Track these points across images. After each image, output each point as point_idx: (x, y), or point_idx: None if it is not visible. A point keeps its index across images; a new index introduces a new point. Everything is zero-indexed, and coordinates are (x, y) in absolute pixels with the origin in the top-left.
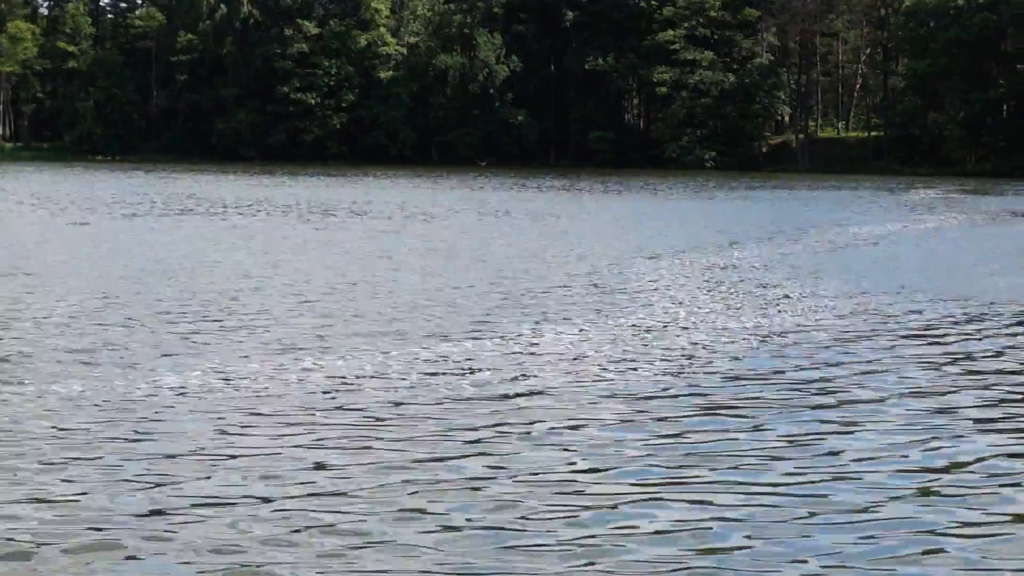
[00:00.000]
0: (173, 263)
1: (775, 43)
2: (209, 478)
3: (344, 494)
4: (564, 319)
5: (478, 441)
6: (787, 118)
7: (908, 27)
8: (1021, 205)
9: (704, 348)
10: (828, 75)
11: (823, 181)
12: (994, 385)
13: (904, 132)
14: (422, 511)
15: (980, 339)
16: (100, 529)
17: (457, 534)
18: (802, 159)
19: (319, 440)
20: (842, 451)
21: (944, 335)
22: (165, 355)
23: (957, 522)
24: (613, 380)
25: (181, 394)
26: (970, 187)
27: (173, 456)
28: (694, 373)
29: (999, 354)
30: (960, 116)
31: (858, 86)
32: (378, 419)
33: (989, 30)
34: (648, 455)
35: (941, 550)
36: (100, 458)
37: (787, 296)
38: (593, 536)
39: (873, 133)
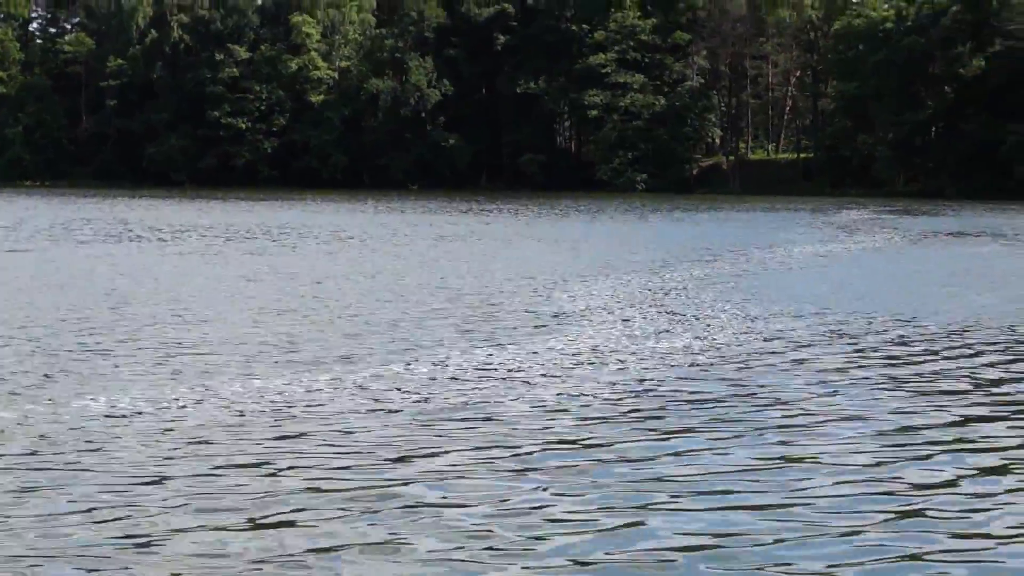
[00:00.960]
0: (106, 289)
1: (706, 66)
2: (138, 508)
3: (291, 524)
4: (500, 342)
5: (413, 459)
6: (718, 140)
7: (837, 50)
8: (950, 226)
9: (641, 369)
10: (758, 97)
11: (755, 203)
12: (945, 406)
13: (834, 154)
14: (374, 538)
15: (921, 359)
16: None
17: (408, 558)
18: (733, 181)
19: (257, 464)
20: (789, 471)
21: (881, 355)
22: (93, 382)
23: (919, 543)
24: (548, 402)
25: (112, 421)
26: (900, 208)
27: (102, 485)
28: (633, 395)
29: (938, 373)
30: (889, 137)
31: (788, 108)
32: (323, 443)
33: (917, 53)
34: (590, 479)
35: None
36: (30, 490)
37: (724, 318)
38: (538, 558)
39: (803, 155)
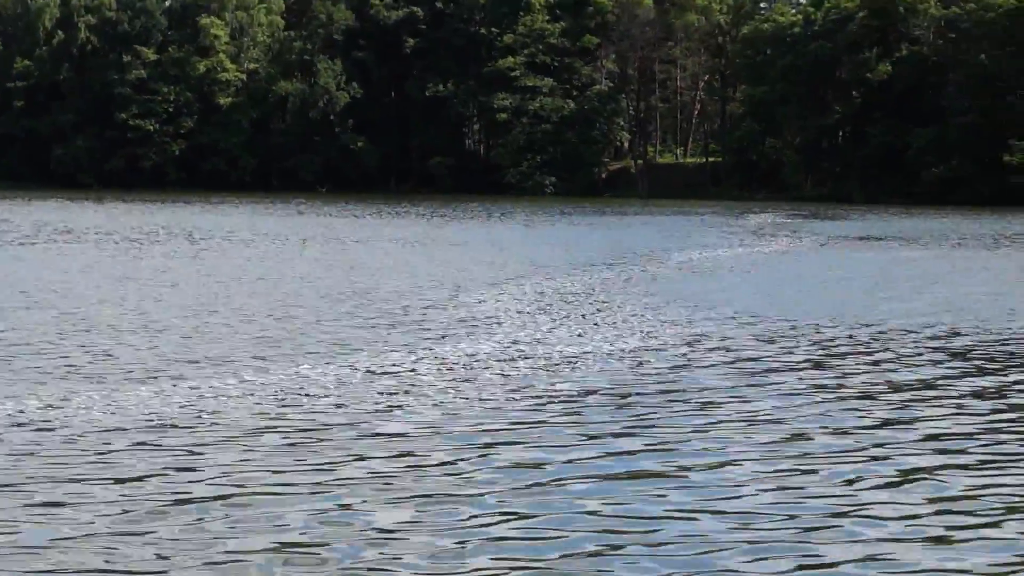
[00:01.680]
0: (17, 291)
1: (614, 70)
2: (48, 508)
3: (202, 527)
4: (411, 346)
5: (312, 467)
6: (626, 144)
7: (745, 54)
8: (858, 230)
9: (550, 373)
10: (667, 101)
11: (663, 206)
12: (850, 408)
13: (742, 158)
14: (293, 540)
15: (836, 361)
16: None
17: (326, 562)
18: (641, 184)
19: (129, 475)
20: (696, 477)
21: (798, 358)
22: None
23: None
24: (455, 406)
25: (20, 424)
26: (807, 212)
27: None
28: (541, 398)
29: (851, 375)
30: (797, 142)
31: (696, 112)
32: (241, 447)
33: (825, 57)
34: (492, 483)
35: None
36: None
37: (636, 322)
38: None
39: (711, 159)
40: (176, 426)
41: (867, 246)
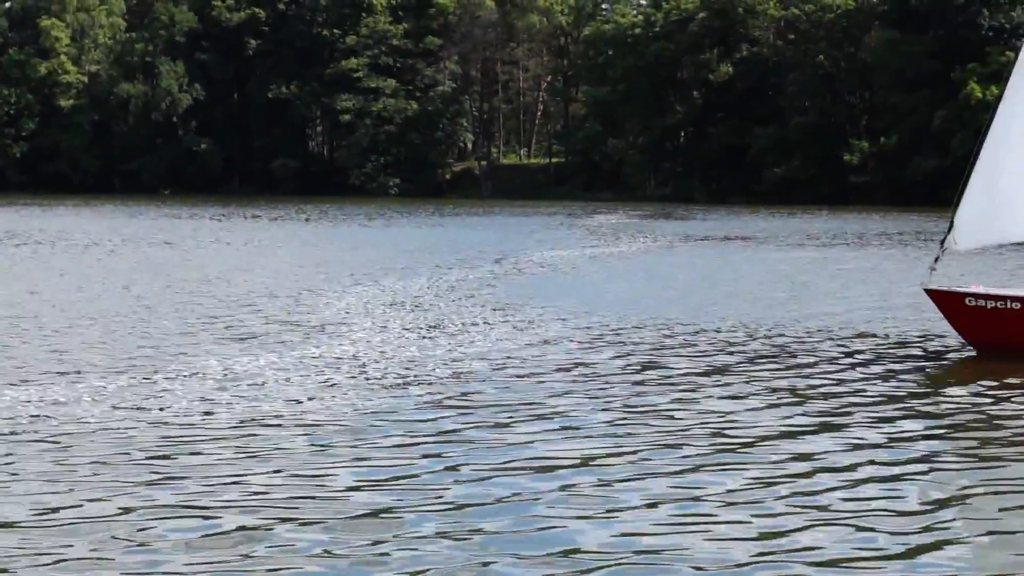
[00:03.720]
0: None
1: (457, 71)
2: None
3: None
4: (255, 350)
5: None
6: (470, 145)
7: (587, 55)
8: (698, 230)
9: (399, 377)
10: (510, 102)
11: (508, 207)
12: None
13: (585, 158)
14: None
15: (677, 359)
16: None
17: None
18: (485, 186)
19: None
20: (556, 476)
21: (644, 359)
22: None
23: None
24: (306, 412)
25: None
26: (651, 212)
27: None
28: (392, 401)
29: (692, 372)
30: (639, 142)
31: (539, 113)
32: (73, 458)
33: (666, 58)
34: (352, 485)
35: None
36: None
37: (480, 323)
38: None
39: (555, 160)
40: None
41: (712, 245)
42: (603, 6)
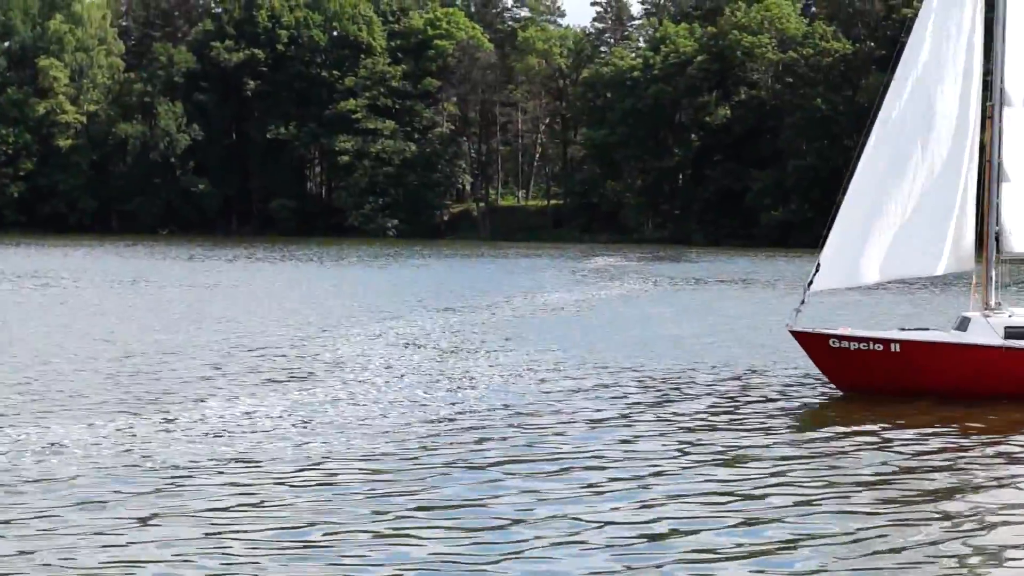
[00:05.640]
0: None
1: (456, 113)
2: None
3: None
4: (256, 392)
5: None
6: (468, 187)
7: (586, 97)
8: (700, 272)
9: (400, 418)
10: (508, 144)
11: (506, 249)
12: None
13: (583, 200)
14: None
15: (681, 401)
16: None
17: None
18: (483, 227)
19: None
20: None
21: (655, 399)
22: None
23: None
24: (308, 451)
25: None
26: (649, 254)
27: None
28: (396, 442)
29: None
30: (637, 184)
31: (537, 155)
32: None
33: (664, 100)
34: (348, 525)
35: None
36: None
37: (482, 364)
38: None
39: (553, 201)
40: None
41: (708, 288)
42: (601, 49)
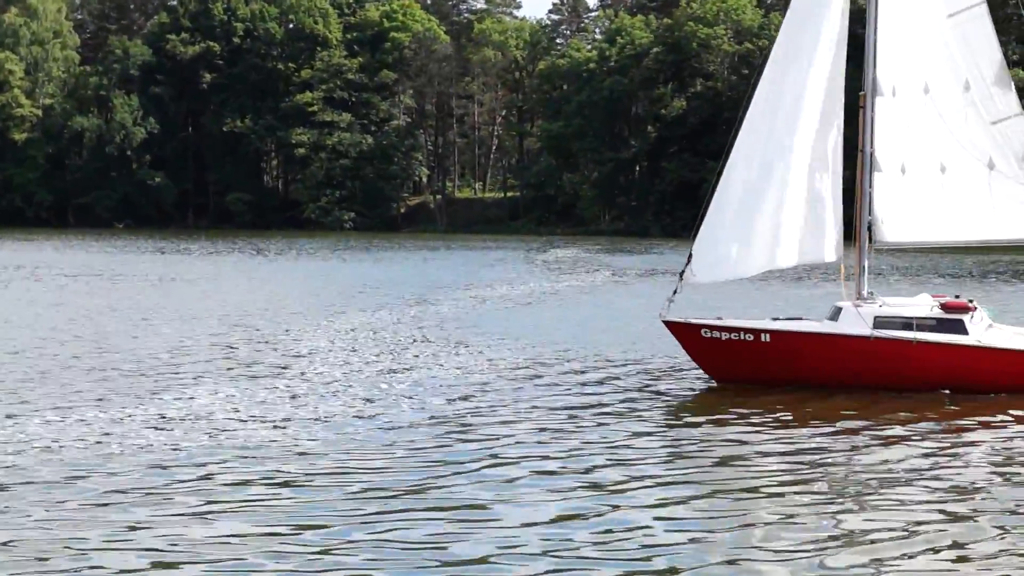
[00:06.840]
0: None
1: (412, 105)
2: None
3: None
4: (218, 386)
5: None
6: (425, 179)
7: (542, 89)
8: (658, 264)
9: (361, 408)
10: (465, 136)
11: (463, 241)
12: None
13: (540, 192)
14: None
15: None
16: None
17: None
18: (440, 220)
19: None
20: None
21: (581, 389)
22: None
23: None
24: (271, 442)
25: None
26: (606, 246)
27: None
28: (355, 433)
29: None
30: (594, 176)
31: (494, 147)
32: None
33: (620, 93)
34: (307, 516)
35: None
36: None
37: (439, 354)
38: None
39: (510, 193)
40: None
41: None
42: (557, 41)
